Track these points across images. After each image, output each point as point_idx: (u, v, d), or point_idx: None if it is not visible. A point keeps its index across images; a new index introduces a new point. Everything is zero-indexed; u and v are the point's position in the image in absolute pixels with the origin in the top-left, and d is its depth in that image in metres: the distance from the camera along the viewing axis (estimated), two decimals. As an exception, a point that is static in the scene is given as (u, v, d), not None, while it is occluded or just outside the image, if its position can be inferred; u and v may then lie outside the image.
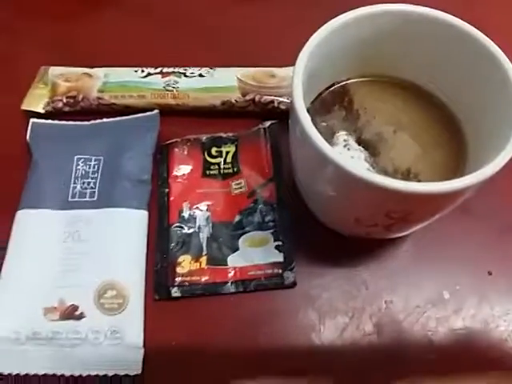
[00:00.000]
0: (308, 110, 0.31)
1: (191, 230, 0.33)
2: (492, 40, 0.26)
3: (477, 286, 0.32)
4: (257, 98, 0.36)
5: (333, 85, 0.32)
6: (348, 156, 0.29)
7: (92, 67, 0.38)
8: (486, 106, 0.27)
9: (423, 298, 0.32)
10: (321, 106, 0.32)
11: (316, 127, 0.31)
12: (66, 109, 0.37)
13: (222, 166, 0.35)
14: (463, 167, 0.30)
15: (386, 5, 0.27)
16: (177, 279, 0.31)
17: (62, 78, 0.38)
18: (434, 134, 0.30)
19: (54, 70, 0.39)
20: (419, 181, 0.29)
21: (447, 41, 0.28)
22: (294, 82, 0.25)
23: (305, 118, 0.24)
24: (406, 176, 0.28)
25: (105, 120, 0.36)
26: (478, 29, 0.27)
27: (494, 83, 0.26)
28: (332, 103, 0.32)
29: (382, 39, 0.29)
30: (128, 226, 0.33)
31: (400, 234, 0.31)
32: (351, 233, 0.31)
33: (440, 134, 0.30)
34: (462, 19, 0.28)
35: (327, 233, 0.32)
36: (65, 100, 0.37)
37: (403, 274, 0.33)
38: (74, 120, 0.37)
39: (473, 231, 0.34)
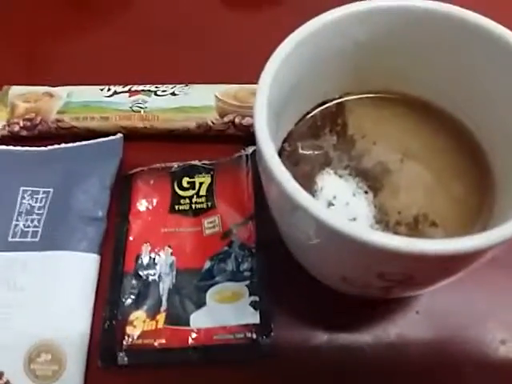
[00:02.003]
0: (291, 134, 0.26)
1: (150, 279, 0.27)
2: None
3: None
4: (237, 120, 0.30)
5: (324, 103, 0.26)
6: (349, 193, 0.23)
7: (56, 86, 0.34)
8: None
9: (441, 378, 0.24)
10: (308, 129, 0.25)
11: (300, 155, 0.26)
12: (24, 133, 0.33)
13: (193, 200, 0.29)
14: (489, 205, 0.23)
15: (381, 0, 0.21)
16: (126, 342, 0.25)
17: (21, 98, 0.34)
18: (451, 163, 0.24)
19: (16, 90, 0.34)
20: (433, 223, 0.22)
21: (468, 46, 0.22)
22: (257, 100, 0.19)
23: (268, 150, 0.18)
24: (415, 220, 0.22)
25: (59, 146, 0.31)
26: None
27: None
28: (322, 126, 0.25)
29: (382, 45, 0.23)
30: (74, 273, 0.27)
31: (404, 296, 0.24)
32: (343, 291, 0.24)
33: (459, 163, 0.24)
34: (488, 17, 0.21)
35: (317, 288, 0.25)
36: (21, 123, 0.33)
37: (414, 343, 0.25)
38: (31, 146, 0.32)
39: (507, 287, 0.27)
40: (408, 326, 0.26)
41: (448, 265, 0.17)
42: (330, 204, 0.22)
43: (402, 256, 0.15)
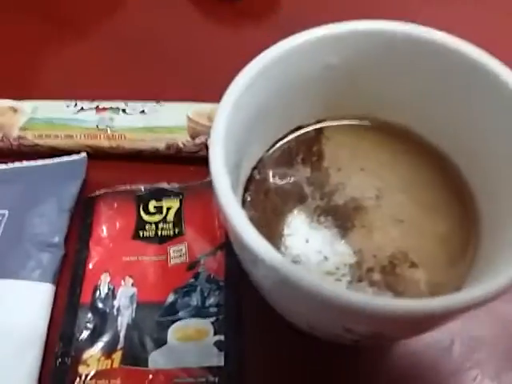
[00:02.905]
0: (261, 161, 0.24)
1: (108, 312, 0.25)
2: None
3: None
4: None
5: (300, 128, 0.24)
6: (321, 237, 0.21)
7: (21, 100, 0.32)
8: (507, 170, 0.19)
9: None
10: (281, 156, 0.24)
11: (271, 185, 0.24)
12: (-15, 150, 0.31)
13: (160, 226, 0.28)
14: (474, 244, 0.21)
15: (357, 22, 0.19)
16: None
17: (-17, 111, 0.32)
18: (432, 197, 0.22)
19: (-22, 103, 0.33)
20: (412, 263, 0.20)
21: (450, 73, 0.20)
22: (215, 130, 0.17)
23: (221, 183, 0.16)
24: (391, 263, 0.20)
25: (18, 164, 0.29)
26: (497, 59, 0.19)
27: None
28: (296, 153, 0.24)
29: (357, 68, 0.21)
30: (24, 305, 0.25)
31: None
32: (315, 336, 0.22)
33: (441, 197, 0.22)
34: (473, 43, 0.20)
35: (290, 329, 0.23)
36: (-19, 139, 0.31)
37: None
38: (-8, 163, 0.30)
39: (497, 333, 0.25)
40: (386, 372, 0.24)
41: (419, 324, 0.15)
42: (299, 254, 0.20)
43: (365, 314, 0.14)
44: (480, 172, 0.22)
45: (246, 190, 0.23)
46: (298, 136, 0.24)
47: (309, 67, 0.20)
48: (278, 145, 0.23)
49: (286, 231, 0.21)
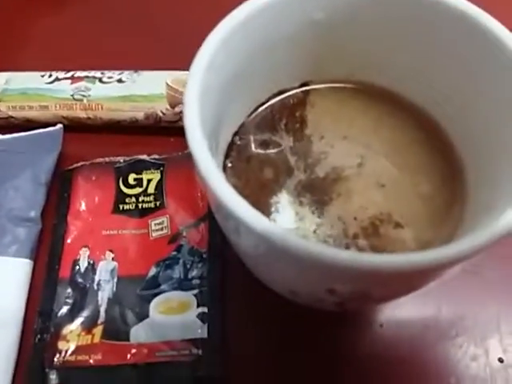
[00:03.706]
0: (242, 126, 0.23)
1: (88, 287, 0.24)
2: None
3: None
4: (190, 111, 0.28)
5: (282, 92, 0.23)
6: (305, 209, 0.20)
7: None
8: (497, 131, 0.18)
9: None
10: (262, 122, 0.23)
11: (253, 151, 0.23)
12: (-42, 123, 0.30)
13: (140, 199, 0.27)
14: (460, 203, 0.21)
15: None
16: (57, 359, 0.23)
17: (-45, 84, 0.30)
18: (416, 157, 0.21)
19: (-51, 75, 0.31)
20: (397, 224, 0.20)
21: (440, 29, 0.19)
22: (188, 93, 0.16)
23: (198, 147, 0.15)
24: (373, 224, 0.19)
25: (-8, 137, 0.28)
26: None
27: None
28: (278, 119, 0.23)
29: (343, 24, 0.20)
30: (1, 282, 0.24)
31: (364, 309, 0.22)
32: (298, 303, 0.21)
33: (425, 157, 0.21)
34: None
35: (273, 300, 0.22)
36: (-47, 112, 0.29)
37: (377, 359, 0.23)
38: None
39: (484, 299, 0.24)
40: (371, 341, 0.23)
41: (403, 281, 0.14)
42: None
43: (352, 271, 0.13)
44: (465, 130, 0.21)
45: (226, 156, 0.22)
46: (281, 100, 0.23)
47: (291, 23, 0.19)
48: (259, 109, 0.23)
49: (270, 206, 0.20)
